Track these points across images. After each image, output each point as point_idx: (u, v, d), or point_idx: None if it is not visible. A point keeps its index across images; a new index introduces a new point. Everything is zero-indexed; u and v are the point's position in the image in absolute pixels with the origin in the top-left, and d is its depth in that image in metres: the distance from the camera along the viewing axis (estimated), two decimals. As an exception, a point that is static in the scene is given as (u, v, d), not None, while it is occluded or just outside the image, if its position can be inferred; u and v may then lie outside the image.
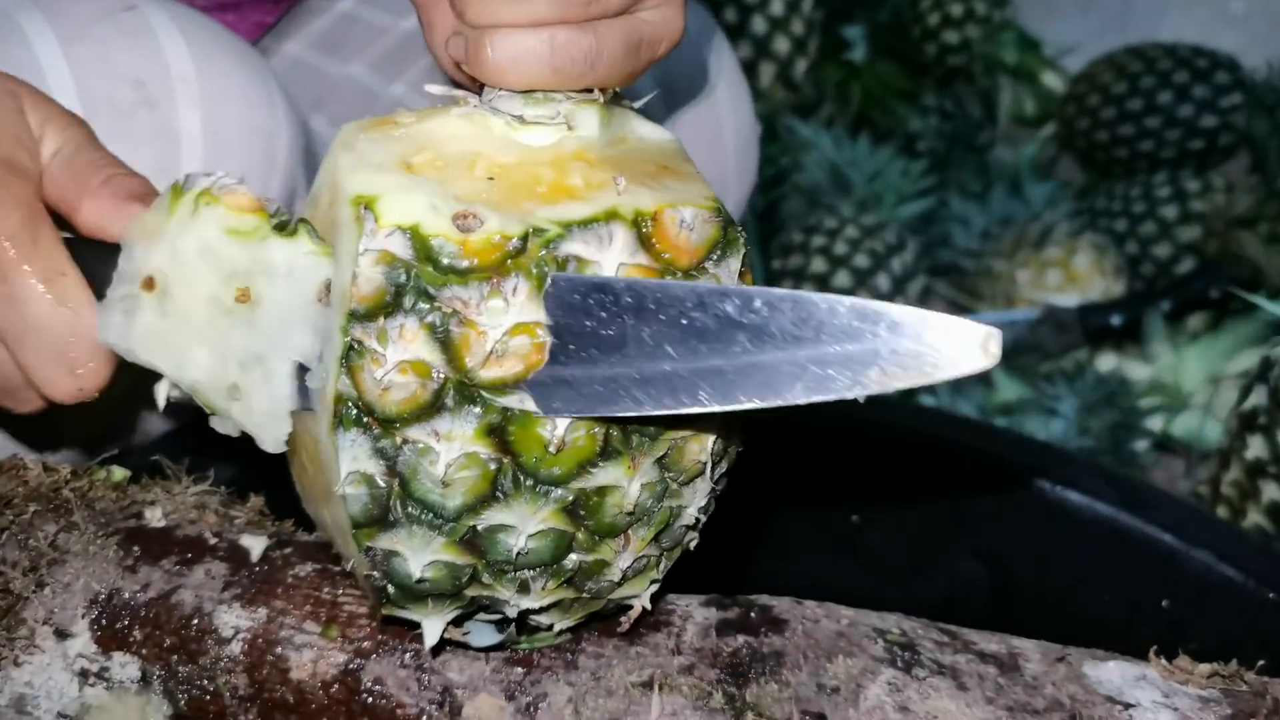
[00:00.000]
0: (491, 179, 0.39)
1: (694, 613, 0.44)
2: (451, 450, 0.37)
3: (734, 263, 0.40)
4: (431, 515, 0.37)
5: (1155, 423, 1.27)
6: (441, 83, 0.78)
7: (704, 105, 0.81)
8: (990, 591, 0.74)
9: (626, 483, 0.38)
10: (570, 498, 0.38)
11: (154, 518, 0.44)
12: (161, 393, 0.42)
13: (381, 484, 0.37)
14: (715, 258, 0.39)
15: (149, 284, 0.40)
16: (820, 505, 0.75)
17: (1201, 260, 1.55)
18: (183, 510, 0.45)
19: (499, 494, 0.37)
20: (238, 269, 0.39)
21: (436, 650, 0.42)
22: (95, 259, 0.43)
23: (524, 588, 0.39)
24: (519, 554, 0.38)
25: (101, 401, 0.44)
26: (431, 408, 0.37)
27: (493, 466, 0.37)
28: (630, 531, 0.39)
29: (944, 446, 0.73)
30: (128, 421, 0.64)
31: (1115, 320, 1.41)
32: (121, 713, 0.41)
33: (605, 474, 0.38)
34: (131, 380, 0.43)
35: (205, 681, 0.41)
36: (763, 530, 0.57)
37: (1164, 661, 0.42)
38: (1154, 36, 1.92)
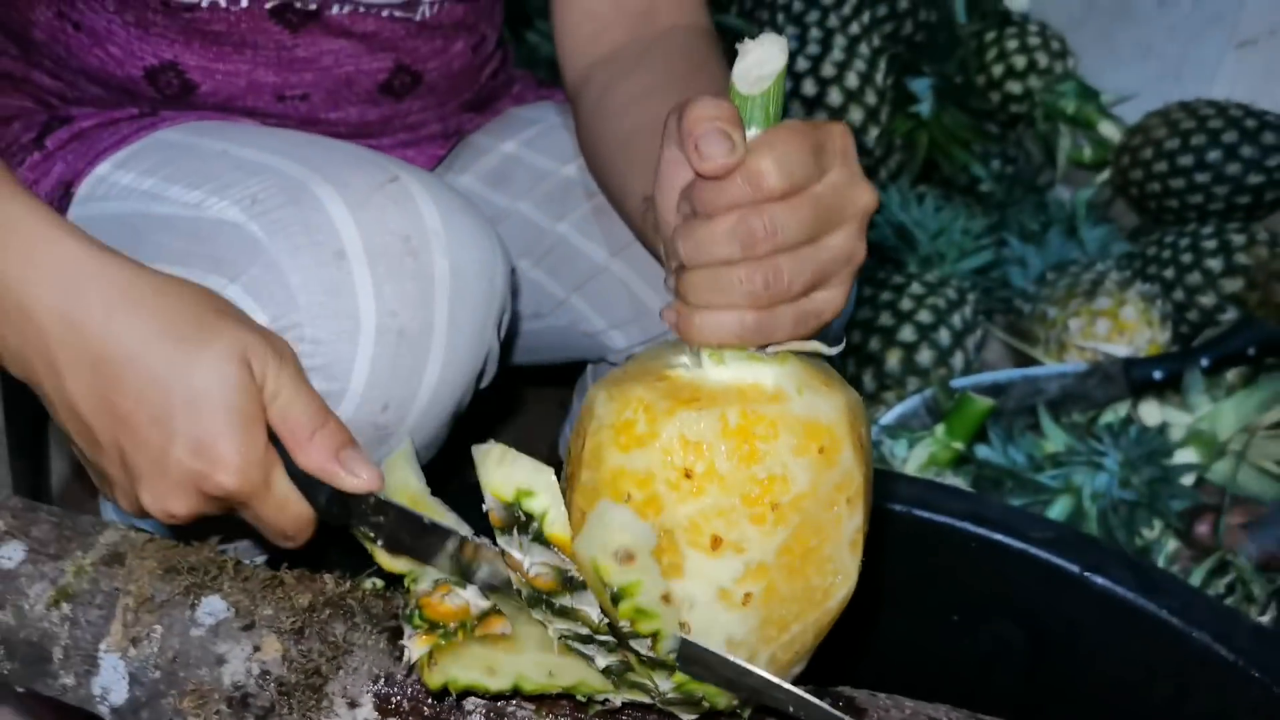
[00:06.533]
0: None
1: (799, 700, 0.60)
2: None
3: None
4: None
5: (1190, 479, 1.40)
6: (602, 226, 0.94)
7: None
8: (1027, 652, 0.89)
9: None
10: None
11: (408, 618, 0.61)
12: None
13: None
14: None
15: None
16: (892, 584, 0.90)
17: (1240, 316, 1.67)
18: (427, 612, 0.61)
19: None
20: None
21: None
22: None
23: None
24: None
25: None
26: None
27: None
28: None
29: (997, 535, 0.88)
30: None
31: (1157, 374, 1.54)
32: (393, 761, 0.58)
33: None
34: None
35: (453, 742, 0.58)
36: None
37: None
38: (1209, 86, 2.03)
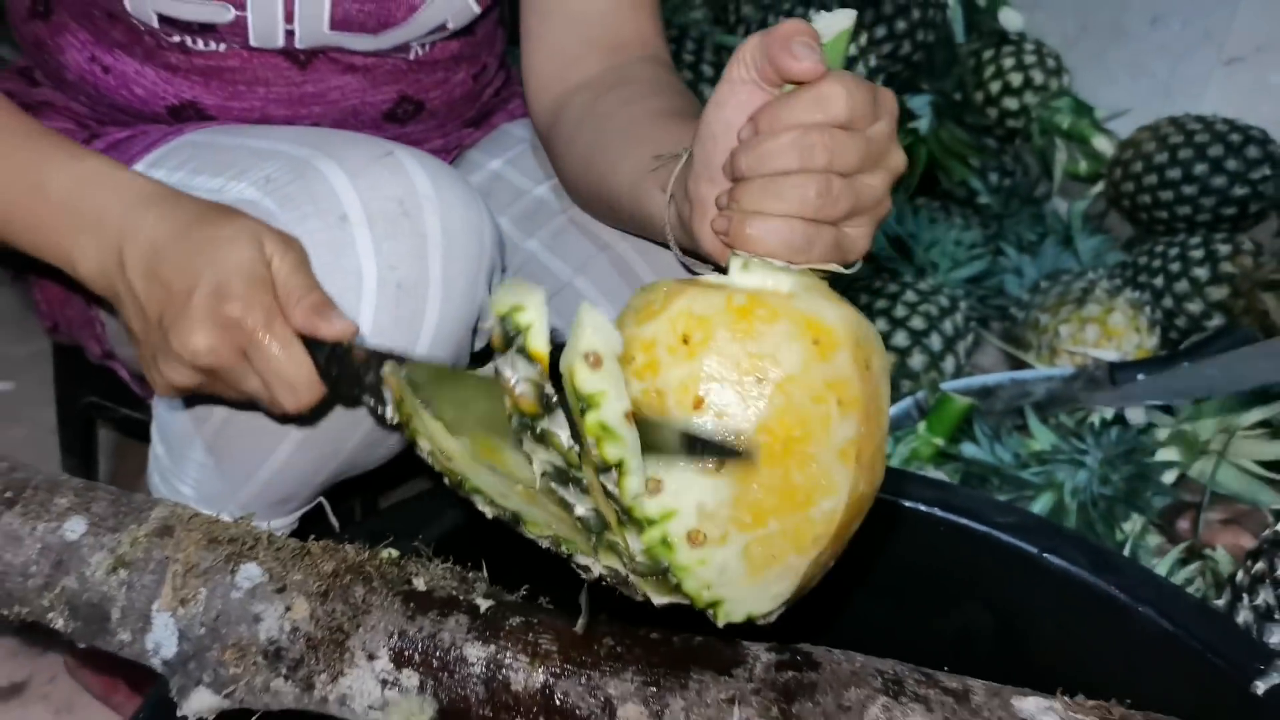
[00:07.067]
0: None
1: (761, 655, 0.68)
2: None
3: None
4: None
5: (1169, 476, 1.47)
6: (567, 244, 1.01)
7: None
8: (995, 631, 0.97)
9: None
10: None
11: (419, 584, 0.69)
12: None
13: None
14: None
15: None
16: (867, 569, 0.98)
17: (1224, 322, 1.74)
18: (436, 579, 0.70)
19: None
20: None
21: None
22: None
23: None
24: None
25: None
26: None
27: None
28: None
29: (963, 520, 0.96)
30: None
31: (1140, 377, 1.61)
32: (408, 707, 0.66)
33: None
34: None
35: (459, 690, 0.66)
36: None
37: (1066, 698, 0.65)
38: (1199, 102, 2.10)
